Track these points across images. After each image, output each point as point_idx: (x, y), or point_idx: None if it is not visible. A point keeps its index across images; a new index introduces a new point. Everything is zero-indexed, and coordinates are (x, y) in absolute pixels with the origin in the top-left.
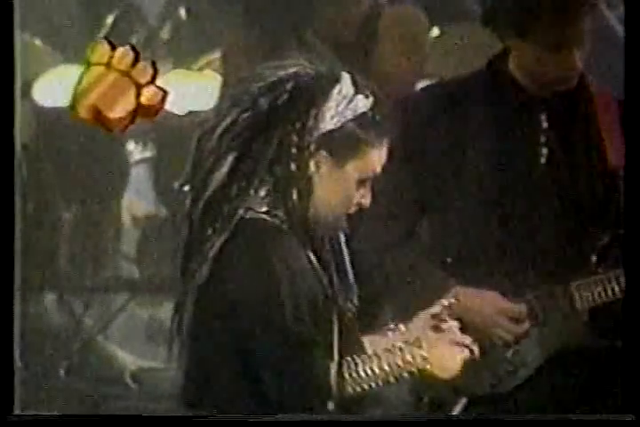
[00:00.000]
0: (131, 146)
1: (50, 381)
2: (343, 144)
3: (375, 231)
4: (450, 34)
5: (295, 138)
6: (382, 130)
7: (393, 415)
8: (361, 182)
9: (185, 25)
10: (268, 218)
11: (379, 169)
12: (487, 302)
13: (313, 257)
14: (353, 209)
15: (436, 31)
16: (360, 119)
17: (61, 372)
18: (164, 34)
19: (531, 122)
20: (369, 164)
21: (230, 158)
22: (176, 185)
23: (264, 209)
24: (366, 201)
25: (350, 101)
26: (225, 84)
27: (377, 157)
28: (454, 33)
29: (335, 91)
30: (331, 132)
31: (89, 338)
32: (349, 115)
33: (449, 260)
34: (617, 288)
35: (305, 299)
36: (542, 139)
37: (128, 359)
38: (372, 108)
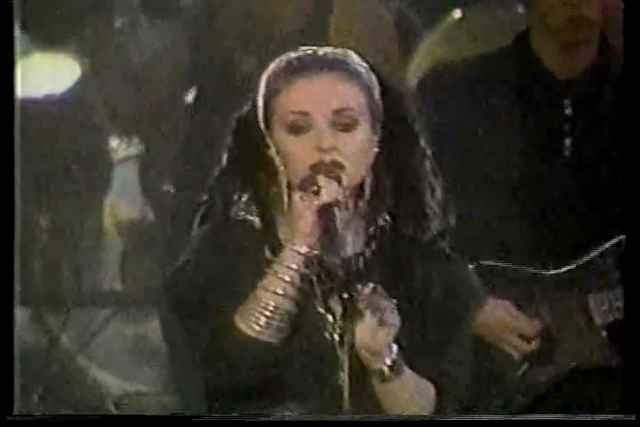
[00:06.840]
0: (114, 142)
1: (21, 408)
2: None
3: None
4: (471, 16)
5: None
6: None
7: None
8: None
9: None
10: (249, 217)
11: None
12: (500, 315)
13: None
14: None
15: (457, 13)
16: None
17: (35, 398)
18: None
19: (553, 109)
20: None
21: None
22: (164, 186)
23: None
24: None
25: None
26: None
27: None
28: (476, 15)
29: None
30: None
31: (67, 359)
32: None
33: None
34: None
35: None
36: (566, 128)
37: (111, 382)
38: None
